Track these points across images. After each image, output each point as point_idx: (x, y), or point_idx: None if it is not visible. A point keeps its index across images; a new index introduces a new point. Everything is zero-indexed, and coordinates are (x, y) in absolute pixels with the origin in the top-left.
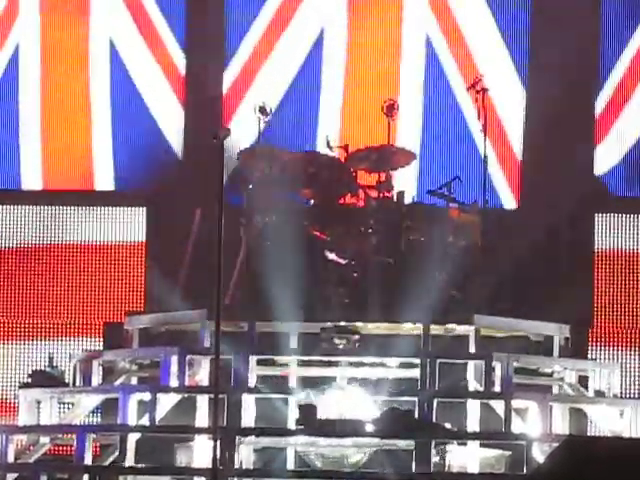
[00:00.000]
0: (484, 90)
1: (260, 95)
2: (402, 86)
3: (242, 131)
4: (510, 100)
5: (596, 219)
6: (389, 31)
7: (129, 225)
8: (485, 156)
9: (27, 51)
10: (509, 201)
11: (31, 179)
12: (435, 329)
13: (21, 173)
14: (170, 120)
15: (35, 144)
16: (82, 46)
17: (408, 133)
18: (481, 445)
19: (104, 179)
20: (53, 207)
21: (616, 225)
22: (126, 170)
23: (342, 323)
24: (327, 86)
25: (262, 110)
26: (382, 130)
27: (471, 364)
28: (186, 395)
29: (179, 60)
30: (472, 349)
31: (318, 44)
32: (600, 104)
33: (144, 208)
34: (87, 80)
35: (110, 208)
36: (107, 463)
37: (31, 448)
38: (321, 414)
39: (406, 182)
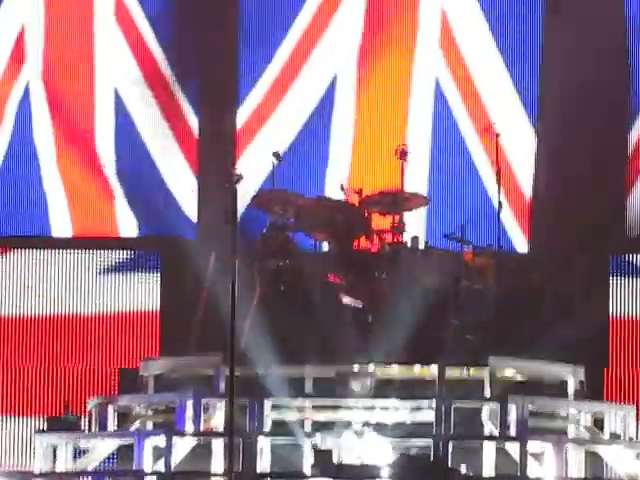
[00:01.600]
0: (497, 135)
1: (271, 138)
2: (410, 130)
3: (253, 172)
4: (521, 146)
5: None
6: (400, 75)
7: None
8: (500, 202)
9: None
10: (520, 245)
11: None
12: (450, 373)
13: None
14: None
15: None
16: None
17: (416, 177)
18: None
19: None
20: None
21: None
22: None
23: (357, 367)
24: (338, 130)
25: (276, 155)
26: (389, 174)
27: (486, 407)
28: (202, 440)
29: (191, 118)
30: (487, 392)
31: (330, 90)
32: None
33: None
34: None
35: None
36: None
37: None
38: (336, 458)
39: (416, 225)
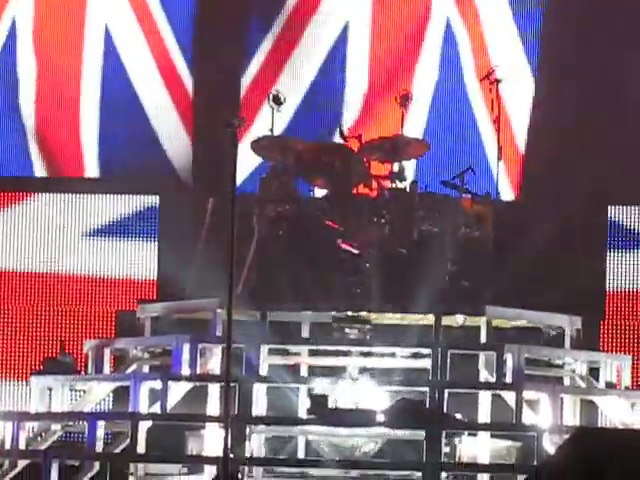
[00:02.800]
0: (497, 81)
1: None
2: (418, 75)
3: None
4: (519, 94)
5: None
6: (413, 18)
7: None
8: (499, 147)
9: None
10: (508, 193)
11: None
12: (446, 320)
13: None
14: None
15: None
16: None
17: (418, 122)
18: (492, 436)
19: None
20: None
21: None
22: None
23: (354, 313)
24: (351, 78)
25: (275, 99)
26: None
27: (482, 355)
28: (197, 384)
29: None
30: (483, 340)
31: (343, 36)
32: None
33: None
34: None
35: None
36: (118, 451)
37: (42, 435)
38: (332, 403)
39: (418, 172)
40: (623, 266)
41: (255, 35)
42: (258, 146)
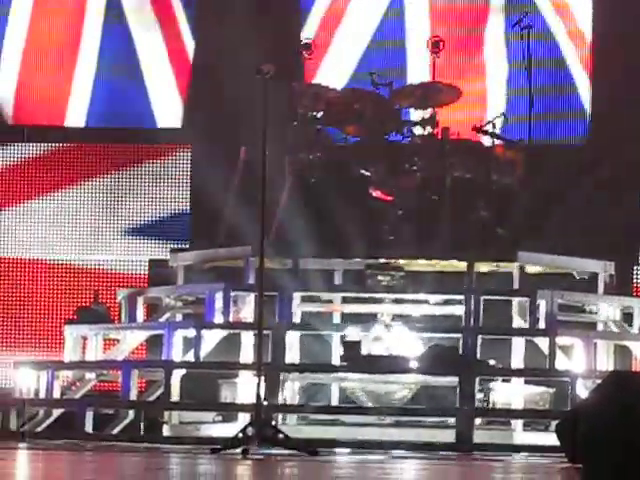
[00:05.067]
0: (529, 27)
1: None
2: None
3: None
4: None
5: None
6: None
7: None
8: (531, 93)
9: None
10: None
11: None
12: (479, 266)
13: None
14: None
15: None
16: None
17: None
18: (525, 382)
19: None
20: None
21: None
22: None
23: (386, 260)
24: (411, 33)
25: (306, 46)
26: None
27: (515, 301)
28: (230, 332)
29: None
30: (516, 286)
31: None
32: None
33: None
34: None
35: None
36: (152, 399)
37: (77, 384)
38: (365, 351)
39: (451, 119)
40: None
41: None
42: (289, 93)
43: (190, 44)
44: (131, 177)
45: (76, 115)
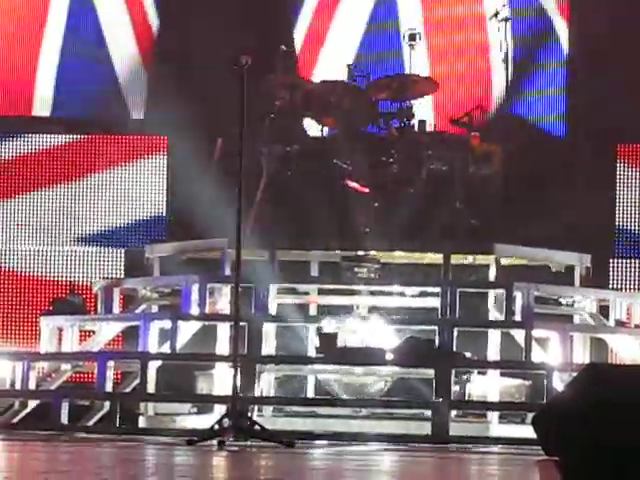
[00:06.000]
0: (506, 20)
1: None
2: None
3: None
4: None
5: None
6: None
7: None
8: (507, 85)
9: None
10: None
11: None
12: (456, 258)
13: None
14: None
15: None
16: None
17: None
18: (501, 374)
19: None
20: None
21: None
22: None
23: (363, 252)
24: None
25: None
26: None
27: (492, 293)
28: (207, 323)
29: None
30: (492, 278)
31: None
32: None
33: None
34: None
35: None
36: (128, 390)
37: (52, 375)
38: (341, 342)
39: (427, 111)
40: (632, 204)
41: None
42: (266, 85)
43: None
44: (107, 179)
45: (42, 103)
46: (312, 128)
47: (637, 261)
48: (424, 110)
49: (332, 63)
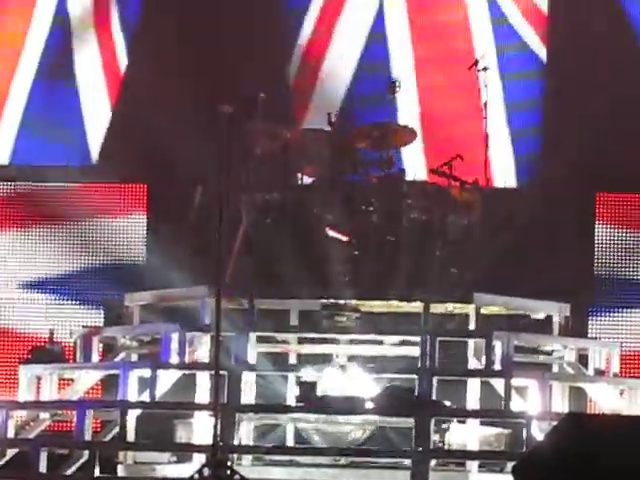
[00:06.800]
0: (485, 69)
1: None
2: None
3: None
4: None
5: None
6: None
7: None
8: (487, 134)
9: None
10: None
11: None
12: (435, 307)
13: None
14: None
15: None
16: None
17: (410, 111)
18: (481, 423)
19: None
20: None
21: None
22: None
23: (342, 301)
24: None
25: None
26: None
27: (471, 342)
28: (186, 372)
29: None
30: (472, 327)
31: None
32: None
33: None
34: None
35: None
36: (107, 439)
37: (31, 424)
38: (320, 391)
39: (408, 160)
40: (610, 253)
41: None
42: (246, 133)
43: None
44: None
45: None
46: (292, 177)
47: (616, 310)
48: (406, 158)
49: (322, 108)
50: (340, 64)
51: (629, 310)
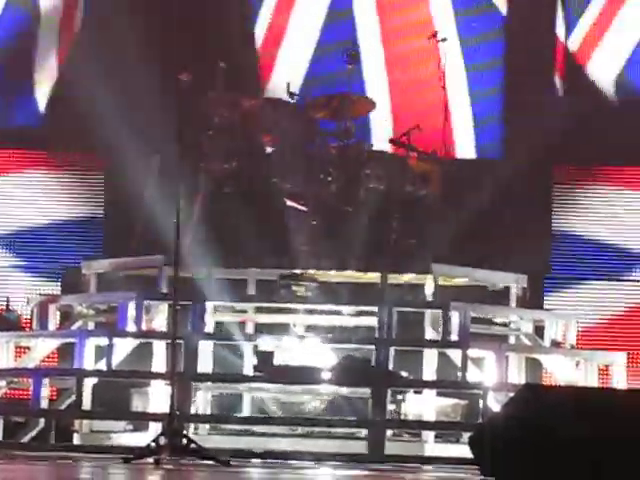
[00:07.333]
0: (444, 39)
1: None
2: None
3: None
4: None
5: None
6: None
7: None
8: (446, 104)
9: None
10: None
11: None
12: (393, 278)
13: None
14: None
15: None
16: None
17: (372, 80)
18: (437, 394)
19: None
20: None
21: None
22: None
23: (300, 270)
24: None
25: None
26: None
27: (428, 313)
28: (143, 340)
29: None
30: (429, 298)
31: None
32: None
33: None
34: None
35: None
36: (63, 407)
37: None
38: (278, 361)
39: (366, 130)
40: (567, 224)
41: None
42: (206, 102)
43: None
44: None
45: None
46: (251, 146)
47: (573, 281)
48: (364, 128)
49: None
50: (303, 40)
51: (586, 282)
